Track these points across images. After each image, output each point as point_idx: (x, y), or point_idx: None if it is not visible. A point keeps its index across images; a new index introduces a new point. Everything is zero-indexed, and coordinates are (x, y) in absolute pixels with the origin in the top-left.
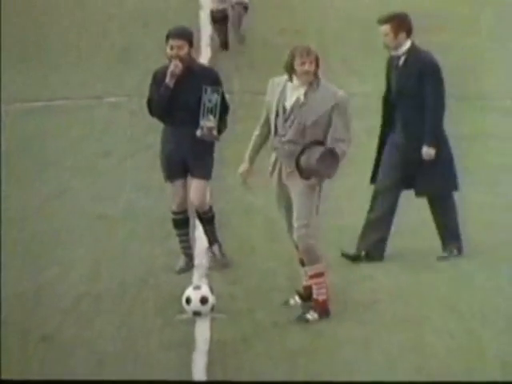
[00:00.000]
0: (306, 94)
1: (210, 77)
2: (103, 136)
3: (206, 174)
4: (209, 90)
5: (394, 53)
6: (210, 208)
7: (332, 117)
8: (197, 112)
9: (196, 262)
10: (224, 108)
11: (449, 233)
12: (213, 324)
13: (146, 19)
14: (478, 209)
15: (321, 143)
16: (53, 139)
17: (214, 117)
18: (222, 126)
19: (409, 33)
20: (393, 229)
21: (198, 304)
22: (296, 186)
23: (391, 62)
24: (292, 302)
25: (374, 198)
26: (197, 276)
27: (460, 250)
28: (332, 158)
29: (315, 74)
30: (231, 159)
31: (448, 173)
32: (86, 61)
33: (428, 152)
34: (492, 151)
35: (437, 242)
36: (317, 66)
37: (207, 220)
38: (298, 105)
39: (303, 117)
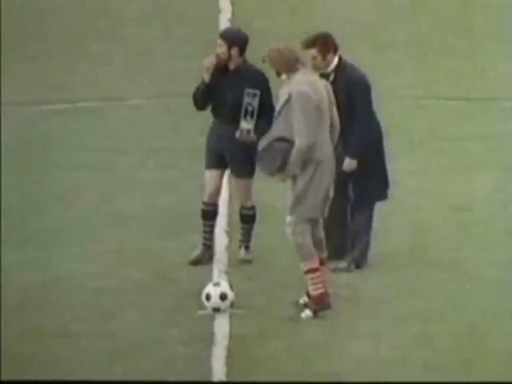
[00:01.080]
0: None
1: (257, 79)
2: (123, 136)
3: (244, 173)
4: (250, 92)
5: (324, 71)
6: (253, 207)
7: (290, 112)
8: (239, 111)
9: (216, 258)
10: (271, 110)
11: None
12: (232, 319)
13: (167, 22)
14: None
15: (284, 139)
16: (74, 139)
17: (252, 119)
18: (266, 127)
19: (335, 50)
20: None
21: (218, 300)
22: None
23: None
24: (301, 301)
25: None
26: (216, 273)
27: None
28: (269, 154)
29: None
30: None
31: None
32: (106, 63)
33: (349, 163)
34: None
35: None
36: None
37: (247, 218)
38: None
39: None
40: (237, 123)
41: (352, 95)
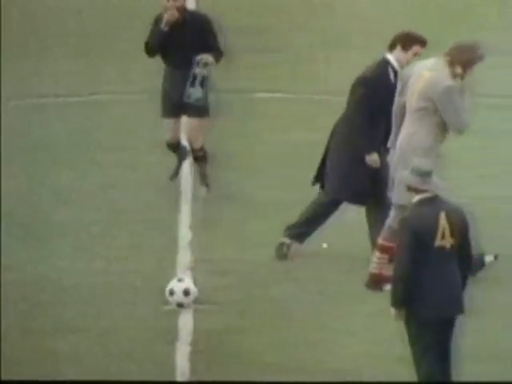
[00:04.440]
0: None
1: (202, 21)
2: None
3: (199, 112)
4: (201, 61)
5: None
6: (202, 148)
7: None
8: (190, 55)
9: (179, 255)
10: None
11: None
12: (196, 315)
13: None
14: None
15: None
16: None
17: (202, 88)
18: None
19: None
20: None
21: (181, 296)
22: None
23: None
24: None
25: None
26: (181, 269)
27: None
28: None
29: None
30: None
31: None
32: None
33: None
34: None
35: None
36: None
37: (199, 158)
38: None
39: None
40: (188, 66)
41: (354, 94)
